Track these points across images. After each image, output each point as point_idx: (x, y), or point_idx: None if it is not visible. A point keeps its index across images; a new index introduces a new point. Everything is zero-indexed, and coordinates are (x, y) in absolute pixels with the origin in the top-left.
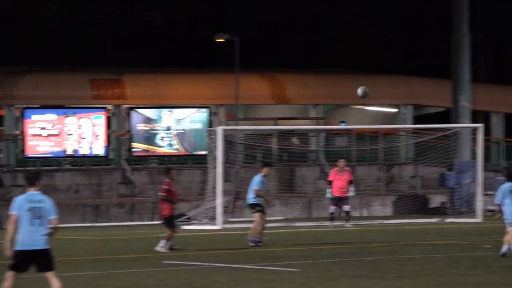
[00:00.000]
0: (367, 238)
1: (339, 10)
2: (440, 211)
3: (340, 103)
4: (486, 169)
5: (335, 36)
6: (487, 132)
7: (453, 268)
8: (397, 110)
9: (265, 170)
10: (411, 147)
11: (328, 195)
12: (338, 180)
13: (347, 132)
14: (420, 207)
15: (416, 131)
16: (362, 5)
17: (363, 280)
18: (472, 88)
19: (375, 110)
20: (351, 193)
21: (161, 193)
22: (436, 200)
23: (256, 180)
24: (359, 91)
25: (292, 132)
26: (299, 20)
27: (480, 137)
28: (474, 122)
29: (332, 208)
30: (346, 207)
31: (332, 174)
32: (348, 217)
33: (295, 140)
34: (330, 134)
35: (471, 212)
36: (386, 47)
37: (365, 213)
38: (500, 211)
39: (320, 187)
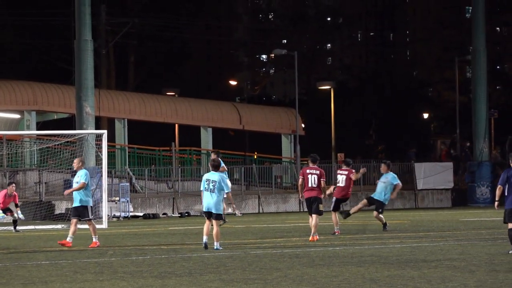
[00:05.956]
0: None
1: None
2: (66, 217)
3: None
4: (110, 175)
5: None
6: (111, 138)
7: (79, 274)
8: (20, 116)
9: None
10: (35, 153)
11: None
12: None
13: None
14: (45, 213)
15: (40, 137)
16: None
17: None
18: (96, 95)
19: None
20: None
21: None
22: (61, 206)
23: None
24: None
25: None
26: None
27: (105, 143)
28: (98, 128)
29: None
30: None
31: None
32: (16, 224)
33: None
34: None
35: (96, 218)
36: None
37: None
38: None
39: None
